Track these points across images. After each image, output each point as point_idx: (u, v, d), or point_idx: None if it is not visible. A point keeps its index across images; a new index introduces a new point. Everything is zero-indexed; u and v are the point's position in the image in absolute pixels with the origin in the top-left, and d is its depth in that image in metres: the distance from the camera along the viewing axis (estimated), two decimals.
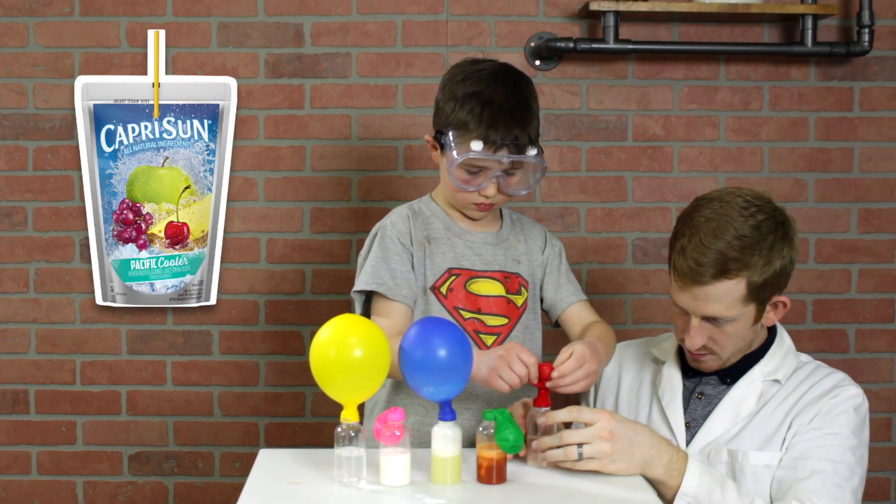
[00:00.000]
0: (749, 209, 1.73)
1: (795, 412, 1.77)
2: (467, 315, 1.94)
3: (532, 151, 1.87)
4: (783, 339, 1.89)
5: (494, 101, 1.85)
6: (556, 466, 1.64)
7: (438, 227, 1.97)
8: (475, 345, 1.94)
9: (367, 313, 1.94)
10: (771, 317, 1.81)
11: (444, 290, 1.94)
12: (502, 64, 1.95)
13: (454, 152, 1.86)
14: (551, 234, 2.10)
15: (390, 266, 1.91)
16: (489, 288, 1.96)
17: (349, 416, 1.55)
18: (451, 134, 1.87)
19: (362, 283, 1.92)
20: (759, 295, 1.74)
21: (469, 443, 1.67)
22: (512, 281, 1.98)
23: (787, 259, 1.75)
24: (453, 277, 1.95)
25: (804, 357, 1.89)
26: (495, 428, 1.56)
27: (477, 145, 1.83)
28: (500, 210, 2.05)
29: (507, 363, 1.70)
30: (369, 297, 1.94)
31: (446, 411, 1.56)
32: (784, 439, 1.76)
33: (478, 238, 1.98)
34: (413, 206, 2.02)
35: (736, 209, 1.73)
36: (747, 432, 1.79)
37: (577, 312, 2.02)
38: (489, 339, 1.94)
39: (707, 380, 1.87)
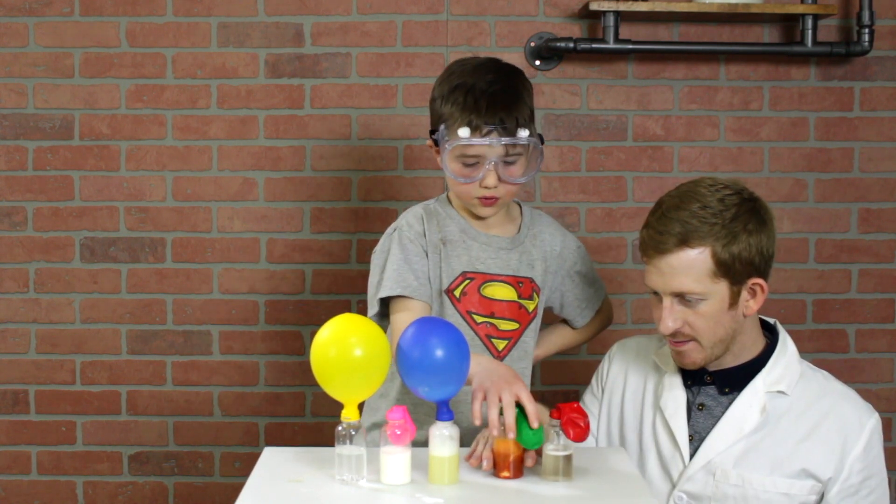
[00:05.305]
0: (716, 186, 1.74)
1: (811, 443, 1.73)
2: (480, 319, 1.92)
3: (523, 133, 1.84)
4: (786, 346, 1.81)
5: (477, 88, 1.84)
6: (550, 474, 1.58)
7: (453, 230, 1.95)
8: (487, 350, 1.93)
9: (384, 314, 1.90)
10: (750, 304, 1.75)
11: (457, 293, 1.92)
12: (489, 57, 1.95)
13: (446, 144, 1.86)
14: (571, 237, 2.07)
15: (413, 268, 1.88)
16: (502, 292, 1.94)
17: (349, 415, 1.55)
18: (441, 129, 1.87)
19: (387, 289, 1.86)
20: (730, 273, 1.70)
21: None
22: (525, 286, 1.96)
23: (758, 237, 1.71)
24: (467, 281, 1.93)
25: (807, 364, 1.83)
26: (516, 425, 1.55)
27: (464, 132, 1.82)
28: (521, 210, 2.03)
29: (497, 394, 1.59)
30: (386, 299, 1.90)
31: (443, 411, 1.56)
32: (803, 469, 1.72)
33: (493, 241, 1.96)
34: (428, 206, 1.99)
35: (703, 186, 1.75)
36: (756, 455, 1.74)
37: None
38: (501, 344, 1.94)
39: (706, 390, 1.82)
